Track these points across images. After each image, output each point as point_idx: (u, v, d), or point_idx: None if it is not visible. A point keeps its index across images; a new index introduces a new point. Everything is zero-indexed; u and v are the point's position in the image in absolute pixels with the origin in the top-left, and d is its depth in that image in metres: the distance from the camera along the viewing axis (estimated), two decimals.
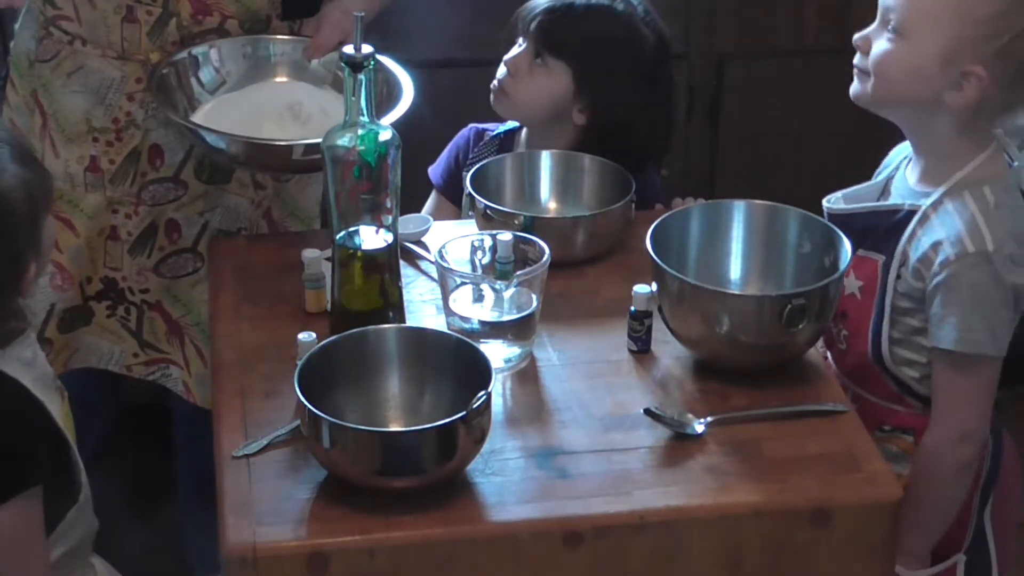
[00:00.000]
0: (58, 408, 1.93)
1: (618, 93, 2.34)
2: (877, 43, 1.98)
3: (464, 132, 2.52)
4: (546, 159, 2.29)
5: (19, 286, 1.88)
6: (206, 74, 2.26)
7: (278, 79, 2.30)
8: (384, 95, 2.21)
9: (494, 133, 2.48)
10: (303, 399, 1.69)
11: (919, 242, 1.98)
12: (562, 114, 2.36)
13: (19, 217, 1.85)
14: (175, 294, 2.35)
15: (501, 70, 2.39)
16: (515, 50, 2.38)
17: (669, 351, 1.97)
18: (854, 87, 2.03)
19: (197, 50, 2.24)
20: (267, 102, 2.25)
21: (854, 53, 2.03)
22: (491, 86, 2.40)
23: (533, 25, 2.34)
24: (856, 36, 2.02)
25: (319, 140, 1.91)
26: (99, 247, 2.32)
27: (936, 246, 1.95)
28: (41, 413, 1.88)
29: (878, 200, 2.08)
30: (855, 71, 2.02)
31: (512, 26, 2.39)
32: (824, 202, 2.08)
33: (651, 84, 2.36)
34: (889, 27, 1.97)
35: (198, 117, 2.21)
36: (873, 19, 2.01)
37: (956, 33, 1.92)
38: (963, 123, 1.97)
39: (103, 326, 2.37)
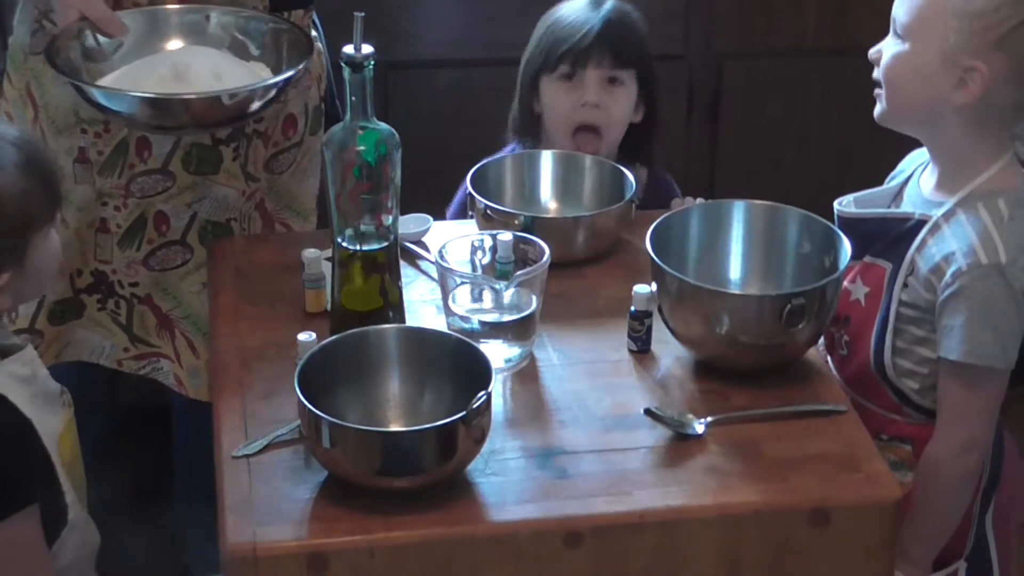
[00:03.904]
0: (59, 424, 1.91)
1: (656, 77, 2.42)
2: (886, 52, 2.00)
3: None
4: (546, 159, 2.28)
5: None
6: (103, 45, 2.18)
7: (172, 45, 2.23)
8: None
9: None
10: (303, 399, 1.69)
11: (929, 252, 1.98)
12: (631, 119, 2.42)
13: (4, 220, 1.82)
14: (164, 287, 2.35)
15: (583, 115, 2.35)
16: (591, 84, 2.35)
17: (669, 351, 1.97)
18: (876, 108, 2.04)
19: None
20: (157, 67, 2.18)
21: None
22: (581, 145, 2.36)
23: (605, 49, 2.34)
24: (871, 51, 2.03)
25: (179, 94, 2.01)
26: (89, 239, 2.33)
27: (948, 257, 1.95)
28: (27, 432, 1.85)
29: (890, 206, 2.08)
30: (875, 90, 2.03)
31: (555, 62, 2.35)
32: (835, 204, 2.08)
33: None
34: (894, 34, 1.98)
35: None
36: (872, 20, 2.01)
37: (953, 29, 1.92)
38: (974, 124, 1.97)
39: (94, 319, 2.37)
